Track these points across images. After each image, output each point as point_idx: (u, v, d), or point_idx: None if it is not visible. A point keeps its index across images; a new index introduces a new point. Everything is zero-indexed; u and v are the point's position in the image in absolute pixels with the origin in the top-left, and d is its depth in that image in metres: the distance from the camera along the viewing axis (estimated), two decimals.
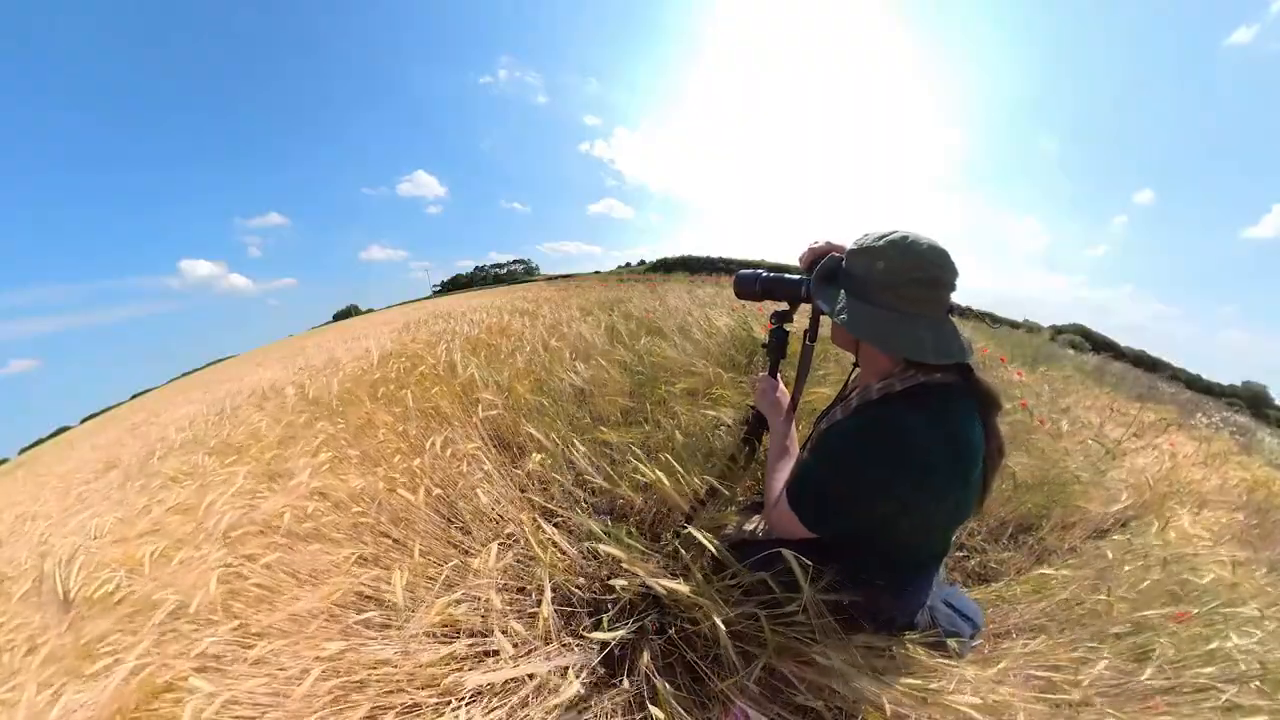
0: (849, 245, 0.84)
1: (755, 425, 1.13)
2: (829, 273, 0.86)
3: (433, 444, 1.44)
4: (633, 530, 1.24)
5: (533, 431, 1.42)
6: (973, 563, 1.63)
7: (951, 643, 0.87)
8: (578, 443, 1.41)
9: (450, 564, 1.10)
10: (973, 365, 0.78)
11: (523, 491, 1.48)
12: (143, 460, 2.47)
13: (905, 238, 0.76)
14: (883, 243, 0.78)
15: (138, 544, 1.23)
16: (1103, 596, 1.16)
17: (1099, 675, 0.88)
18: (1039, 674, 0.87)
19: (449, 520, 1.31)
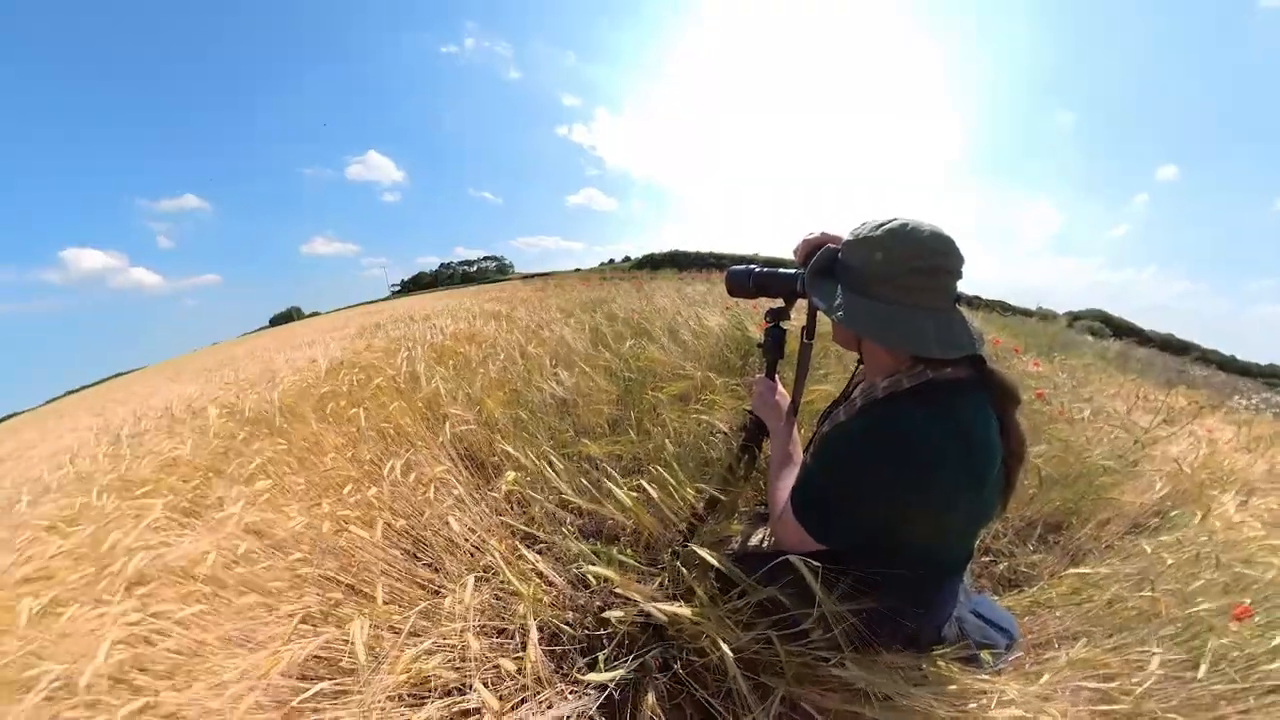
0: (846, 236, 0.85)
1: (754, 431, 1.15)
2: (825, 266, 0.87)
3: (392, 469, 1.35)
4: (626, 550, 1.19)
5: (509, 449, 1.36)
6: (1001, 568, 1.63)
7: (986, 656, 0.86)
8: (558, 459, 1.37)
9: (418, 608, 1.02)
10: (985, 357, 0.80)
11: (500, 516, 1.42)
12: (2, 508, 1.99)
13: (905, 225, 0.77)
14: (881, 232, 0.79)
15: (14, 592, 1.09)
16: (1148, 594, 1.16)
17: (1155, 681, 0.86)
18: (1088, 685, 0.84)
19: (414, 556, 1.24)
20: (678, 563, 1.09)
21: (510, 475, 1.28)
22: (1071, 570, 1.39)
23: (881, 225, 0.79)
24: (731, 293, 1.11)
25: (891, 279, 0.77)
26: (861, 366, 0.96)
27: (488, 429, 1.66)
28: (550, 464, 1.37)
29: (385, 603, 1.05)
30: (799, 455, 1.01)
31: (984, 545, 1.71)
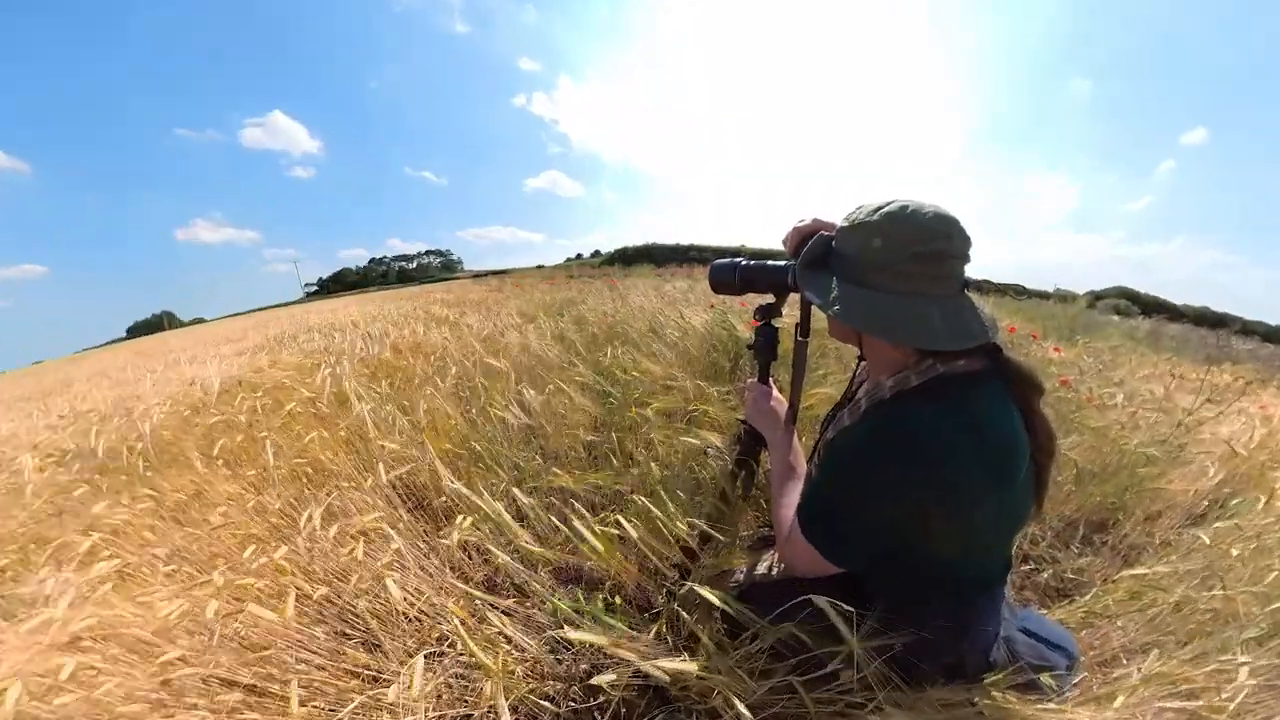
0: (840, 223, 0.87)
1: (749, 443, 1.17)
2: (818, 256, 0.90)
3: (310, 520, 1.20)
4: (612, 601, 1.12)
5: (461, 489, 1.27)
6: (1045, 576, 1.64)
7: (1046, 680, 0.85)
8: (525, 496, 1.29)
9: (351, 705, 0.90)
10: (1001, 345, 0.82)
11: (456, 571, 1.33)
12: None
13: (904, 207, 0.79)
14: (878, 215, 0.81)
15: None
16: (1219, 592, 1.15)
17: (1248, 694, 0.86)
18: (1170, 705, 0.81)
19: (342, 635, 1.13)
20: (675, 605, 1.07)
21: (466, 521, 1.18)
22: (1126, 572, 1.40)
23: (879, 208, 0.81)
24: (715, 289, 1.12)
25: (892, 266, 0.79)
26: (864, 364, 0.99)
27: (437, 462, 1.56)
28: (518, 503, 1.29)
29: (303, 704, 0.91)
30: (802, 467, 1.03)
31: (1022, 552, 1.73)
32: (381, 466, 1.42)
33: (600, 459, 1.79)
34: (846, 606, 0.78)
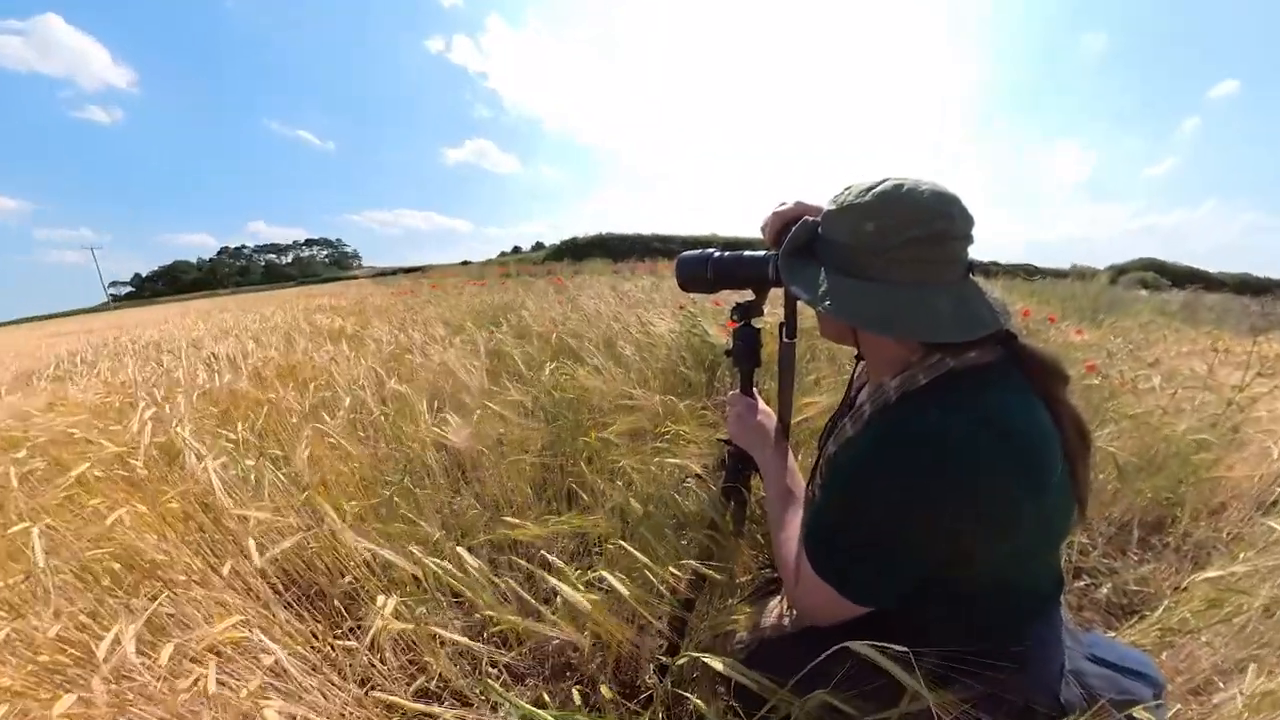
0: (827, 205, 0.90)
1: (736, 467, 1.19)
2: (802, 244, 0.93)
3: (116, 644, 0.95)
4: (589, 694, 1.13)
5: (383, 553, 1.15)
6: (1104, 591, 1.66)
7: (1139, 714, 0.85)
8: (469, 555, 1.21)
9: None
10: (1016, 332, 0.86)
11: (366, 686, 1.21)
12: None
13: (899, 186, 0.83)
14: (870, 196, 0.84)
15: None
16: None
17: None
18: None
19: None
20: (669, 682, 1.04)
21: (385, 603, 1.07)
22: (1197, 576, 1.42)
23: (870, 189, 0.84)
24: (685, 286, 1.15)
25: (887, 253, 0.82)
26: (862, 364, 1.03)
27: (333, 519, 1.38)
28: (464, 564, 1.19)
29: None
30: (801, 489, 1.05)
31: (1072, 566, 1.75)
32: (252, 544, 1.24)
33: (556, 498, 1.75)
34: (897, 647, 0.75)
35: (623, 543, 1.18)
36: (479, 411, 1.96)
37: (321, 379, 2.63)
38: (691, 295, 3.69)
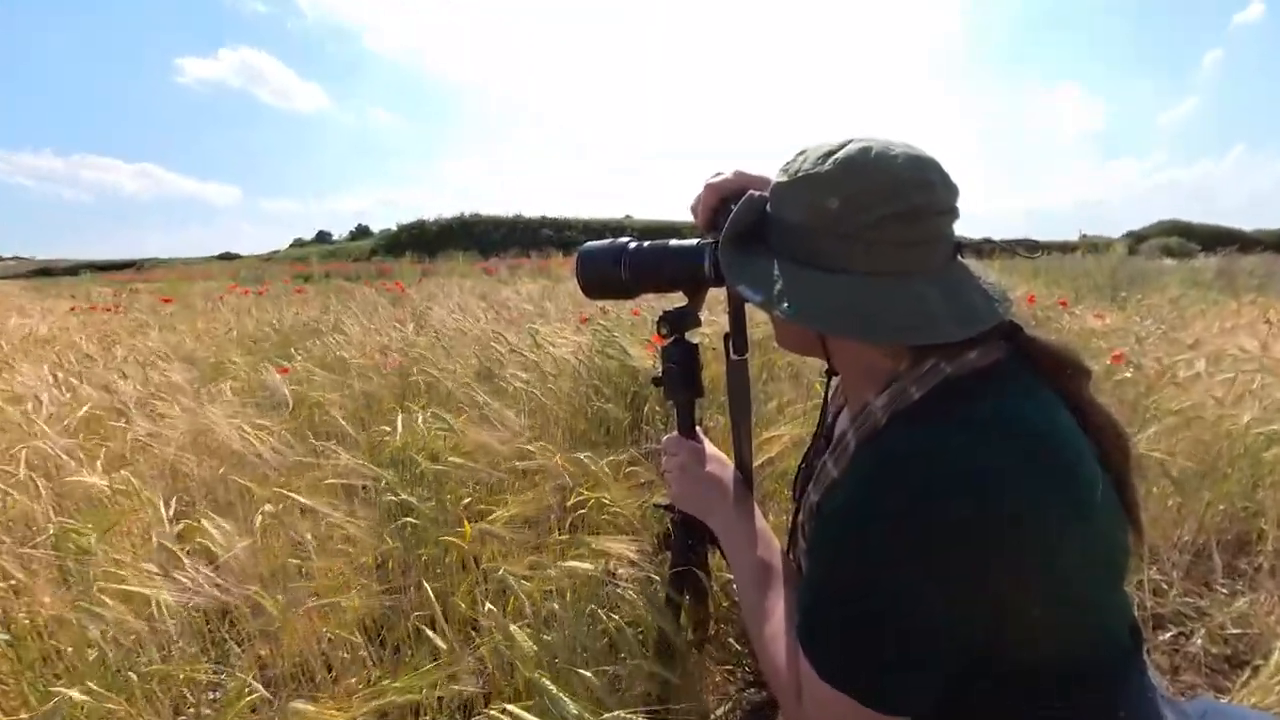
0: (776, 176, 0.86)
1: (684, 544, 1.09)
2: (747, 229, 0.88)
3: None
4: None
5: None
6: (1198, 641, 1.52)
7: None
8: None
9: None
10: (1021, 324, 0.84)
11: None
12: None
13: (866, 150, 0.78)
14: (830, 165, 0.78)
15: None
16: None
17: None
18: None
19: None
20: None
21: None
22: None
23: (829, 154, 0.79)
24: (591, 290, 1.07)
25: (857, 235, 0.77)
26: (836, 382, 1.02)
27: None
28: None
29: None
30: (777, 558, 0.96)
31: (1147, 615, 1.63)
32: None
33: (409, 642, 1.40)
34: None
35: (511, 708, 0.93)
36: (269, 506, 1.53)
37: None
38: (600, 303, 3.35)
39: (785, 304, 0.77)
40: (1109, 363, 2.69)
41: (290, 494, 1.53)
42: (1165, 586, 1.66)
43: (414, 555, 1.56)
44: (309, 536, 1.52)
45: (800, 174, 0.80)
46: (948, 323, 0.74)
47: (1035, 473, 0.71)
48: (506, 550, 1.46)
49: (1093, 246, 12.40)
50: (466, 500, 1.64)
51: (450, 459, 1.66)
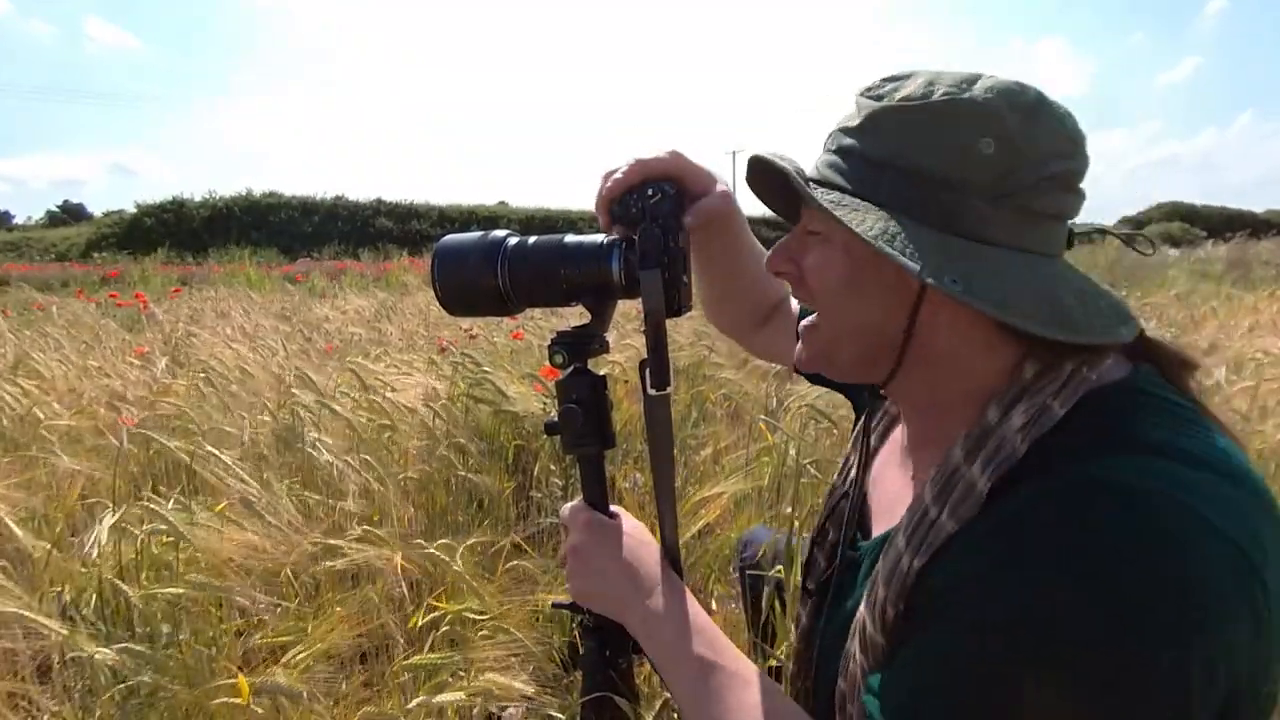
0: (863, 100, 0.72)
1: (599, 656, 0.90)
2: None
3: None
4: None
5: None
6: None
7: None
8: None
9: None
10: (1142, 326, 0.73)
11: None
12: None
13: (1022, 87, 0.67)
14: (984, 91, 0.66)
15: None
16: None
17: None
18: None
19: None
20: None
21: None
22: None
23: (972, 81, 0.67)
24: (451, 304, 0.91)
25: (1013, 195, 0.65)
26: (887, 404, 0.93)
27: None
28: None
29: None
30: (726, 655, 0.79)
31: None
32: None
33: None
34: None
35: None
36: None
37: None
38: (465, 322, 2.98)
39: (955, 283, 0.63)
40: None
41: None
42: None
43: None
44: None
45: (922, 102, 0.67)
46: (1113, 317, 0.66)
47: (1268, 521, 0.60)
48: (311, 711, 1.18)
49: (1083, 238, 13.13)
50: (260, 632, 1.31)
51: (192, 576, 1.21)
